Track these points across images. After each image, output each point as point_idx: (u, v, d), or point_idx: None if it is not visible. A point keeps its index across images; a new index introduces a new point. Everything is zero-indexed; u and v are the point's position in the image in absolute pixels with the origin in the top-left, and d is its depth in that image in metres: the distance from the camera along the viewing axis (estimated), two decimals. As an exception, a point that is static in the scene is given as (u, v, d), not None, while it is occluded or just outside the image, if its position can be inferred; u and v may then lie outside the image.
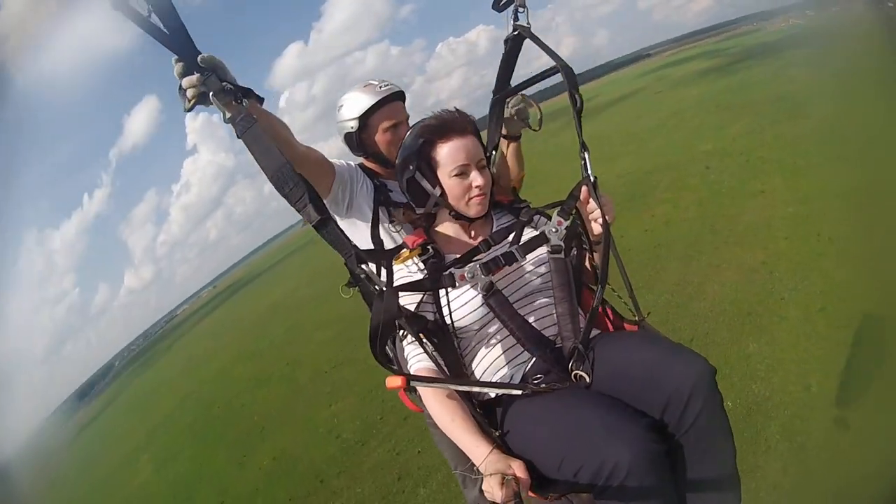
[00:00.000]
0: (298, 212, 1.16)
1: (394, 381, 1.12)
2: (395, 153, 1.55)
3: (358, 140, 1.80)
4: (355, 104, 1.77)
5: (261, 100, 1.28)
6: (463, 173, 1.39)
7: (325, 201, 1.46)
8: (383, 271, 1.24)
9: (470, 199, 1.40)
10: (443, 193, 1.41)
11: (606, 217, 1.31)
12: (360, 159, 1.89)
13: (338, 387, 6.13)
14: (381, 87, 1.77)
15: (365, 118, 1.76)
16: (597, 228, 1.35)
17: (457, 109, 1.46)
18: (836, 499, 2.00)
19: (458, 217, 1.45)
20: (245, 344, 15.28)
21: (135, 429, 14.74)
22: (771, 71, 15.64)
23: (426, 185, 1.41)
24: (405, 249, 1.41)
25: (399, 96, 1.81)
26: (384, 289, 1.17)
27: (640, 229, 5.93)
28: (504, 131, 1.74)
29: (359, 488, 3.70)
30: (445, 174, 1.39)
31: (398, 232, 1.68)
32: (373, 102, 1.75)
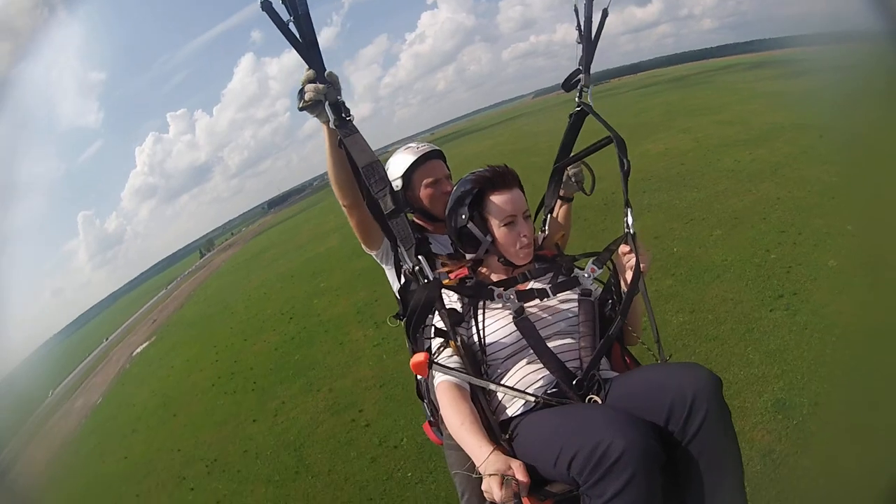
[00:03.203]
0: (379, 200, 1.35)
1: (418, 357, 1.30)
2: (438, 207, 1.74)
3: (403, 197, 1.86)
4: (398, 164, 1.88)
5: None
6: (512, 222, 1.49)
7: (374, 253, 1.81)
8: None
9: (519, 247, 1.50)
10: (494, 241, 1.50)
11: (641, 264, 1.40)
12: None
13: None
14: (419, 148, 1.91)
15: (408, 176, 1.86)
16: (629, 277, 1.42)
17: (505, 165, 1.57)
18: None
19: (505, 263, 1.53)
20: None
21: (328, 220, 20.17)
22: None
23: (478, 232, 1.50)
24: (447, 279, 1.49)
25: (438, 154, 1.92)
26: (430, 279, 1.34)
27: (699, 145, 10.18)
28: (561, 192, 1.84)
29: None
30: (497, 223, 1.49)
31: None
32: (413, 160, 1.86)
